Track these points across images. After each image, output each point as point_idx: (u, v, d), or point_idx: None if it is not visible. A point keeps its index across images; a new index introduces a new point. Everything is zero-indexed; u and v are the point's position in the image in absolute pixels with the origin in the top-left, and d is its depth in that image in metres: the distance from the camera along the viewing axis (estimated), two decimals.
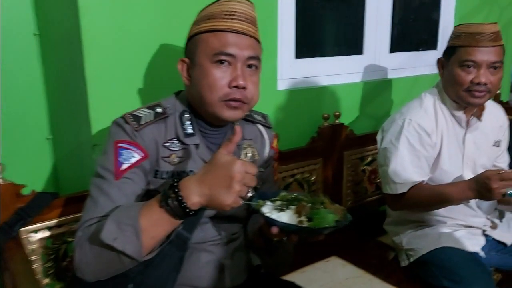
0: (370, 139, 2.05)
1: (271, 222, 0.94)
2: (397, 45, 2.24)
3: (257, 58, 1.07)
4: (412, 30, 2.45)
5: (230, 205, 0.86)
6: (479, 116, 1.60)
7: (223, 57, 1.02)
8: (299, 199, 1.01)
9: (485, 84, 1.46)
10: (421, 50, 2.42)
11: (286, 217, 0.95)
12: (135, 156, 1.02)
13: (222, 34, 1.02)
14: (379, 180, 2.14)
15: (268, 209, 0.97)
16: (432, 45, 2.47)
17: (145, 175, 1.04)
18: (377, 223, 1.91)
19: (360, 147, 2.05)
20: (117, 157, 1.00)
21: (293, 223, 0.94)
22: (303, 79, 1.91)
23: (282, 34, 1.78)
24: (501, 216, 1.68)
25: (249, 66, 1.06)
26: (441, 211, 1.60)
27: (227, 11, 1.03)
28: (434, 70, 2.37)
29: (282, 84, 1.83)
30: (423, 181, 1.54)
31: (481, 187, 1.34)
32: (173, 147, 1.07)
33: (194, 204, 0.87)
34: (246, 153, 1.20)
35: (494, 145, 1.66)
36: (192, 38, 1.08)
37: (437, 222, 1.63)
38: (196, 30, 1.06)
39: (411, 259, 1.62)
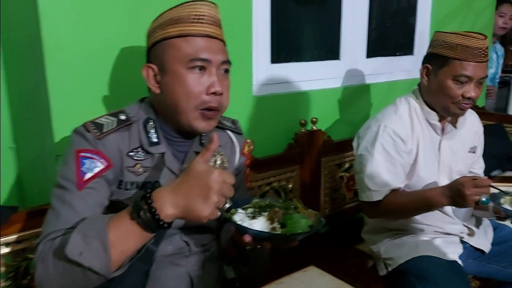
0: (347, 145, 2.02)
1: (243, 230, 0.92)
2: (373, 50, 2.23)
3: (228, 62, 1.05)
4: (388, 35, 2.45)
5: (207, 216, 0.83)
6: (454, 123, 1.59)
7: (198, 63, 0.99)
8: (272, 205, 0.98)
9: (474, 98, 1.47)
10: (398, 55, 2.41)
11: (258, 224, 0.93)
12: (99, 166, 0.97)
13: (193, 39, 0.99)
14: (357, 187, 2.11)
15: (240, 217, 0.94)
16: (409, 50, 2.46)
17: (108, 185, 0.99)
18: (355, 230, 1.88)
19: (337, 154, 2.02)
20: (79, 167, 0.95)
21: (266, 230, 0.92)
22: (279, 85, 1.88)
23: (257, 39, 1.74)
24: (478, 223, 1.67)
25: (222, 70, 1.03)
26: (419, 218, 1.58)
27: (196, 15, 1.00)
28: (411, 75, 2.40)
29: (258, 90, 1.79)
30: (399, 188, 1.52)
31: (455, 194, 1.33)
32: (138, 157, 1.03)
33: (168, 217, 0.83)
34: (216, 161, 1.15)
35: (470, 151, 1.65)
36: (158, 43, 1.02)
37: (415, 230, 1.61)
38: (164, 35, 1.01)
39: (390, 268, 1.60)
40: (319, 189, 1.97)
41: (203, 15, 1.00)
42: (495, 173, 2.39)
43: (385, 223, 1.65)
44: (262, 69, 1.79)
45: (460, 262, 1.52)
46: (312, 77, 1.99)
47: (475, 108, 2.58)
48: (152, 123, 1.05)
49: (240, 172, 1.24)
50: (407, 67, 2.38)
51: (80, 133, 0.98)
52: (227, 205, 0.86)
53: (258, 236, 0.91)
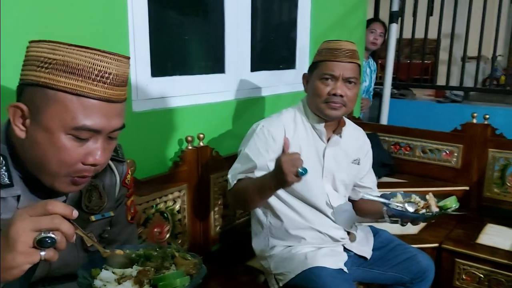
0: (236, 159, 1.99)
1: None
2: (257, 64, 2.23)
3: (123, 126, 0.89)
4: (271, 50, 2.48)
5: (22, 264, 0.68)
6: (339, 133, 1.65)
7: (84, 134, 0.82)
8: (147, 256, 0.86)
9: (341, 96, 1.53)
10: (280, 69, 2.46)
11: None
12: None
13: (89, 103, 0.81)
14: None
15: (103, 280, 0.80)
16: (291, 64, 2.53)
17: None
18: (246, 245, 1.85)
19: (226, 169, 1.94)
20: None
21: None
22: (163, 99, 1.77)
23: (135, 51, 1.61)
24: (360, 231, 1.74)
25: (111, 137, 0.88)
26: (305, 223, 1.61)
27: (99, 71, 0.81)
28: (294, 88, 2.46)
29: (138, 106, 1.66)
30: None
31: (277, 170, 1.30)
32: None
33: None
34: (91, 197, 1.00)
35: (353, 163, 1.72)
36: (38, 86, 0.81)
37: (301, 240, 1.62)
38: (51, 82, 0.80)
39: (281, 284, 1.59)
40: (209, 207, 1.90)
41: (109, 74, 0.82)
42: None
43: (271, 233, 1.66)
44: (142, 83, 1.66)
45: (345, 269, 1.57)
46: (197, 91, 1.92)
47: (351, 118, 2.76)
48: (3, 160, 0.87)
49: (120, 205, 1.11)
50: (290, 81, 2.45)
51: None
52: (48, 240, 0.69)
53: None
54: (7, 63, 1.12)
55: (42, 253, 0.68)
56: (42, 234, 0.68)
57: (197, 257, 0.89)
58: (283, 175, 1.25)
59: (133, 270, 0.83)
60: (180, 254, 0.88)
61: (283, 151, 1.32)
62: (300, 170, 1.24)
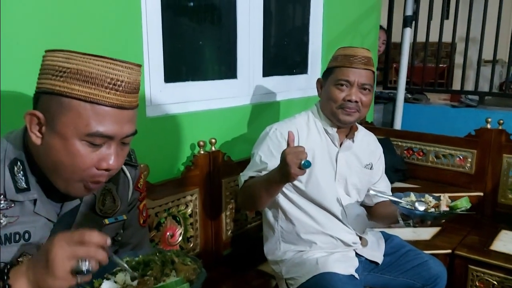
0: (247, 164, 2.01)
1: None
2: (269, 69, 2.25)
3: (135, 132, 0.91)
4: (283, 55, 2.50)
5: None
6: (351, 138, 1.67)
7: (98, 140, 0.85)
8: (147, 262, 0.88)
9: (356, 102, 1.55)
10: (293, 74, 2.47)
11: None
12: None
13: (101, 110, 0.83)
14: None
15: None
16: (303, 69, 2.54)
17: None
18: (257, 250, 1.86)
19: (238, 174, 1.97)
20: None
21: None
22: (176, 105, 1.80)
23: (149, 57, 1.65)
24: (371, 236, 1.74)
25: (124, 143, 0.90)
26: (317, 227, 1.62)
27: (111, 79, 0.83)
28: (306, 93, 2.47)
29: (152, 111, 1.69)
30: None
31: (281, 163, 1.30)
32: None
33: None
34: (104, 201, 1.03)
35: (365, 167, 1.73)
36: (53, 94, 0.84)
37: (313, 245, 1.63)
38: (65, 89, 0.83)
39: None
40: (220, 212, 1.92)
41: (121, 81, 0.84)
42: None
43: (283, 236, 1.67)
44: (155, 89, 1.70)
45: (356, 275, 1.57)
46: (210, 96, 1.94)
47: (364, 123, 2.75)
48: (20, 165, 0.90)
49: (133, 208, 1.13)
50: (302, 86, 2.46)
51: None
52: (84, 268, 0.74)
53: None
54: (26, 72, 1.16)
55: (79, 279, 0.74)
56: (80, 263, 0.73)
57: (197, 261, 0.90)
58: (287, 166, 1.26)
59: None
60: (180, 259, 0.89)
61: (288, 144, 1.33)
62: (303, 162, 1.25)
